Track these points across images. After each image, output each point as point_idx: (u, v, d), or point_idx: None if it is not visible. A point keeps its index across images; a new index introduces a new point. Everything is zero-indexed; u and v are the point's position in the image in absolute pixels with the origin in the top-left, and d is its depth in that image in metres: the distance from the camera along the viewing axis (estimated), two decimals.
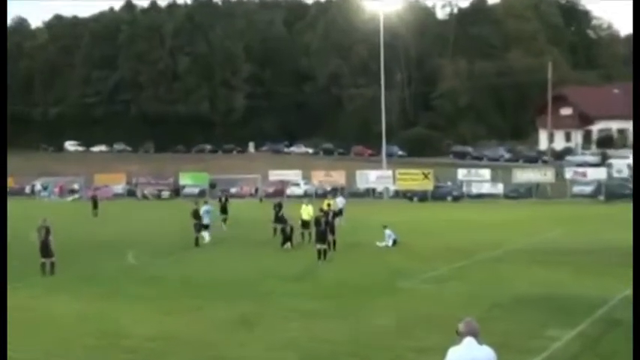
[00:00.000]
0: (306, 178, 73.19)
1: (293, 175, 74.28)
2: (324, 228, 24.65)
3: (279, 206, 32.78)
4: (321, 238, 24.53)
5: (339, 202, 38.67)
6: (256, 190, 74.26)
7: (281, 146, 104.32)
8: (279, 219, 31.40)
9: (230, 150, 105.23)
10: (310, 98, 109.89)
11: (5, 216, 22.32)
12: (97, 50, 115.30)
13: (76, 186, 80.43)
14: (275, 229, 31.52)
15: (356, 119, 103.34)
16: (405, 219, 40.13)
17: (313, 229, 25.90)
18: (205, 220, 30.18)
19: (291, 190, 71.72)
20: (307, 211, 30.16)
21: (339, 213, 33.67)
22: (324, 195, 57.09)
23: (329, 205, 28.96)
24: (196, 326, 14.67)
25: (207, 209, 30.67)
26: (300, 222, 30.08)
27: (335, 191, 61.74)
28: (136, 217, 49.92)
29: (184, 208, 41.76)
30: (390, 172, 68.60)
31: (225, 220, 37.64)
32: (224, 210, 38.10)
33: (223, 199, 39.38)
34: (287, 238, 28.79)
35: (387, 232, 28.94)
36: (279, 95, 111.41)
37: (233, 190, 72.28)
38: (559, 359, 12.09)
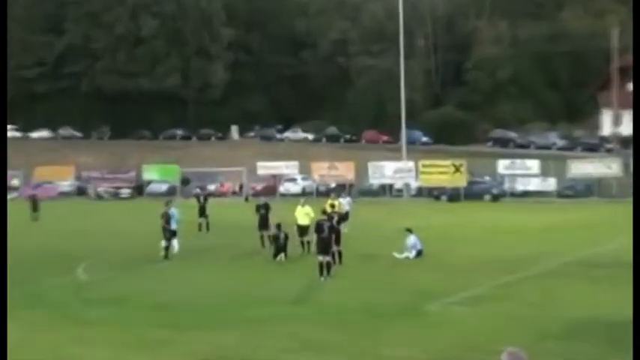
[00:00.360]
0: (305, 171, 73.38)
1: (288, 167, 74.47)
2: (327, 235, 24.66)
3: (264, 208, 32.90)
4: (324, 248, 24.51)
5: (345, 202, 38.75)
6: (241, 187, 74.50)
7: (272, 131, 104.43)
8: (265, 225, 31.49)
9: (207, 136, 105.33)
10: (309, 70, 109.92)
11: (5, 215, 23.54)
12: (39, 9, 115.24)
13: (14, 182, 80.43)
14: (263, 238, 31.67)
15: (368, 96, 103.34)
16: (432, 223, 40.22)
17: (313, 237, 25.93)
18: (172, 226, 30.26)
19: (285, 187, 72.01)
20: (304, 214, 30.22)
21: (345, 217, 33.71)
22: (327, 193, 57.04)
23: (333, 206, 28.97)
24: None
25: (172, 213, 30.71)
26: (295, 228, 30.11)
27: (341, 189, 61.69)
28: (88, 221, 49.89)
29: (149, 209, 41.89)
30: (411, 164, 68.70)
31: (205, 226, 37.98)
32: (203, 212, 38.43)
33: (202, 198, 39.71)
34: (280, 248, 28.85)
35: (411, 239, 29.07)
36: (270, 66, 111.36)
37: (212, 187, 72.46)
38: None
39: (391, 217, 44.67)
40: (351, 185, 68.47)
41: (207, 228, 38.25)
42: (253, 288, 22.87)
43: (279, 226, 29.69)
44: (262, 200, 34.97)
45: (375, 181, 70.44)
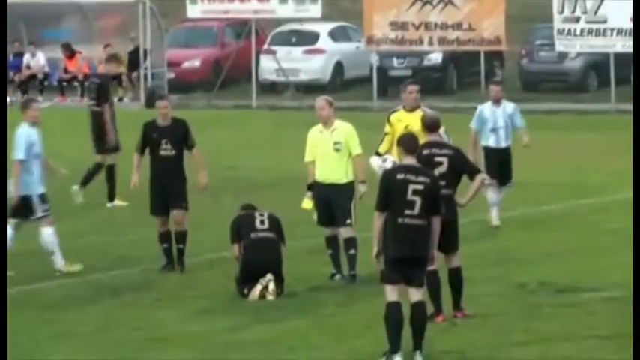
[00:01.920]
0: (343, 12, 34.07)
1: None
2: (419, 220, 9.11)
3: (171, 138, 13.50)
4: (411, 261, 9.11)
5: (493, 118, 15.86)
6: (134, 65, 33.42)
7: None
8: (167, 195, 13.17)
9: None
10: None
11: (5, 211, 15.20)
12: None
13: None
14: (165, 238, 13.46)
15: None
16: None
17: (376, 226, 9.19)
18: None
19: (277, 64, 32.08)
20: (334, 152, 12.65)
21: (481, 168, 13.42)
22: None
23: (434, 126, 10.97)
24: None
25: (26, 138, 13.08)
26: (306, 197, 12.54)
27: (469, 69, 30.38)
28: None
29: None
30: None
31: (109, 187, 17.73)
32: (102, 134, 17.88)
33: (95, 97, 18.32)
34: (251, 271, 12.16)
35: None
36: None
37: (37, 58, 33.94)
38: None
39: None
40: (497, 55, 31.87)
41: (111, 196, 17.72)
42: None
43: (248, 207, 12.48)
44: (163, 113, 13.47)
45: (579, 47, 29.73)
